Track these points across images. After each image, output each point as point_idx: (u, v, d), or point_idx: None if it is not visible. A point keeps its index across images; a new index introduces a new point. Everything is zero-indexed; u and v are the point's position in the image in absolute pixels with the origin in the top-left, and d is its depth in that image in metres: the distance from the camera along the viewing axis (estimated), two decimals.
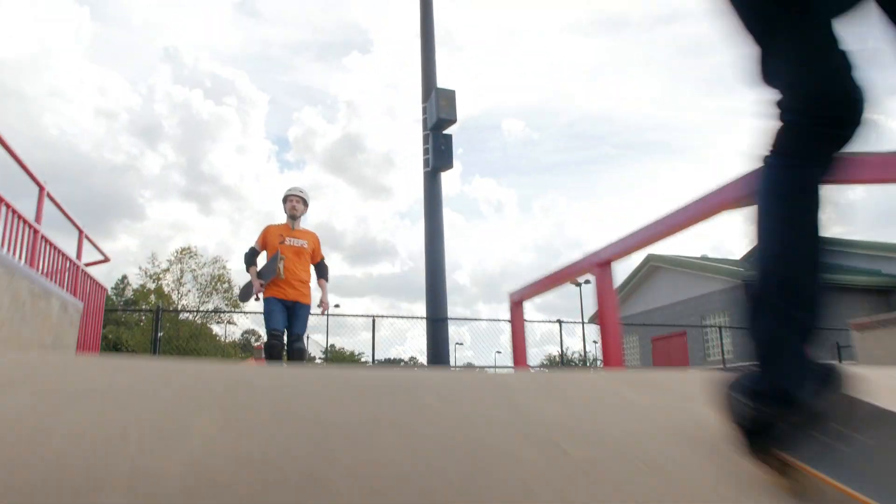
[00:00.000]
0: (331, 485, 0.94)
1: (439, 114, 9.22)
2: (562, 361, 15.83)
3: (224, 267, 35.63)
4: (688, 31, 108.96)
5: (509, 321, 5.39)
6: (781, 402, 1.00)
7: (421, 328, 10.52)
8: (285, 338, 5.22)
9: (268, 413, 1.20)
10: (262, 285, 5.24)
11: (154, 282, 34.63)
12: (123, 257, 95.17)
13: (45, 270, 5.43)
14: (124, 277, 74.25)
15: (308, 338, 6.79)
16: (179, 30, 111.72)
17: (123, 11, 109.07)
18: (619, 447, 1.20)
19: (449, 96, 9.48)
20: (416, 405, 1.35)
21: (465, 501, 0.95)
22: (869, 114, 1.02)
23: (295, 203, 5.58)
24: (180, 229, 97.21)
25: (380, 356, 12.45)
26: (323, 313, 6.03)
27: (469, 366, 15.33)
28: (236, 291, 37.16)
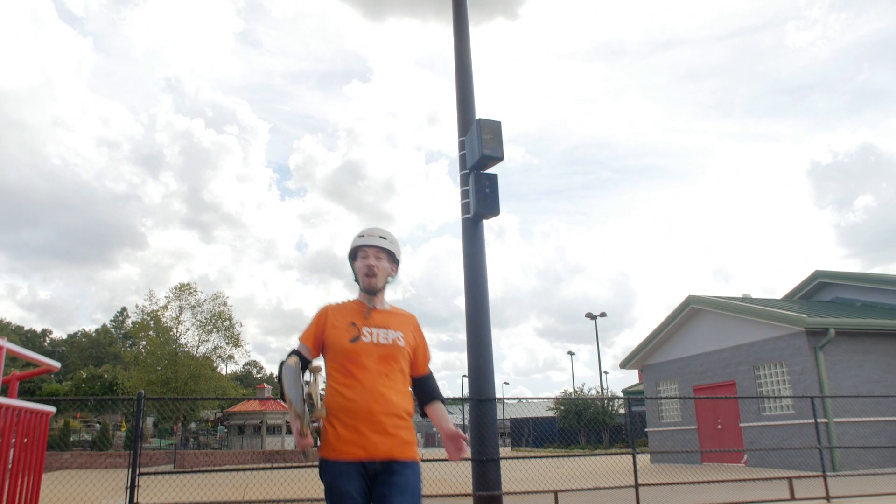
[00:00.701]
0: None
1: (483, 150, 7.56)
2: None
3: (225, 303, 33.92)
4: (684, 57, 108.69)
5: None
6: None
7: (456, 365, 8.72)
8: None
9: None
10: (315, 428, 2.42)
11: (151, 319, 32.89)
12: (125, 286, 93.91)
13: None
14: (123, 310, 72.81)
15: None
16: (181, 60, 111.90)
17: (125, 42, 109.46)
18: None
19: (494, 129, 7.83)
20: None
21: None
22: None
23: (374, 261, 2.67)
24: (181, 257, 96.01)
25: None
26: (456, 458, 2.70)
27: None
28: (238, 329, 35.49)
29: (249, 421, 34.41)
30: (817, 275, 20.71)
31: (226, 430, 36.28)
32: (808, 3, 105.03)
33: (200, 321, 33.41)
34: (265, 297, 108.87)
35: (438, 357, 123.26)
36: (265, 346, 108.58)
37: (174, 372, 31.87)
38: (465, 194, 7.94)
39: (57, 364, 4.83)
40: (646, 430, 21.79)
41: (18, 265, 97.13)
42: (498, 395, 16.55)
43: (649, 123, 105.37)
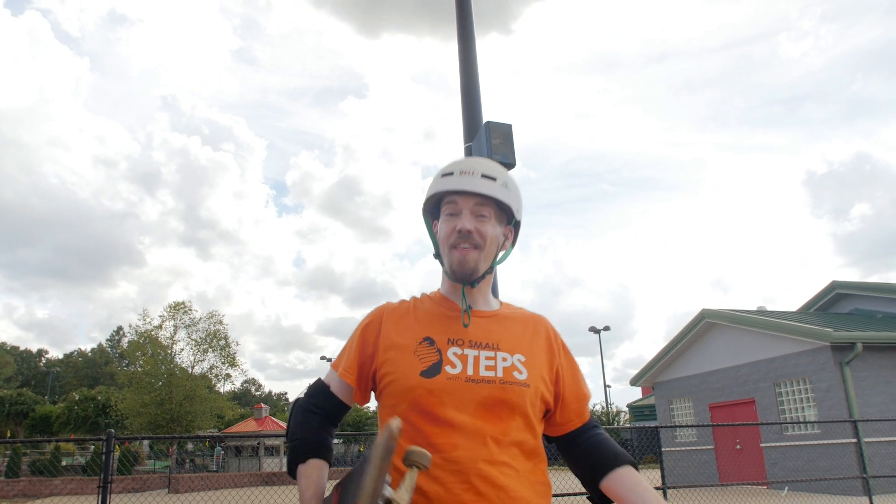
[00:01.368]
0: None
1: (492, 156, 6.79)
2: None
3: (220, 322, 33.03)
4: (679, 69, 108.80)
5: None
6: None
7: None
8: None
9: None
10: None
11: (146, 339, 31.98)
12: (122, 304, 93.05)
13: None
14: (119, 329, 71.79)
15: None
16: (177, 78, 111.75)
17: (121, 61, 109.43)
18: None
19: (505, 132, 7.04)
20: None
21: None
22: None
23: (473, 221, 1.39)
24: (179, 275, 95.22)
25: None
26: None
27: None
28: (234, 348, 34.53)
29: (246, 442, 33.41)
30: (834, 286, 19.92)
31: (222, 451, 35.27)
32: (799, 15, 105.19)
33: (196, 340, 32.56)
34: (263, 314, 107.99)
35: None
36: (264, 363, 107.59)
37: (168, 393, 30.93)
38: None
39: None
40: (662, 449, 20.87)
41: (15, 284, 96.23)
42: None
43: (645, 135, 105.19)
